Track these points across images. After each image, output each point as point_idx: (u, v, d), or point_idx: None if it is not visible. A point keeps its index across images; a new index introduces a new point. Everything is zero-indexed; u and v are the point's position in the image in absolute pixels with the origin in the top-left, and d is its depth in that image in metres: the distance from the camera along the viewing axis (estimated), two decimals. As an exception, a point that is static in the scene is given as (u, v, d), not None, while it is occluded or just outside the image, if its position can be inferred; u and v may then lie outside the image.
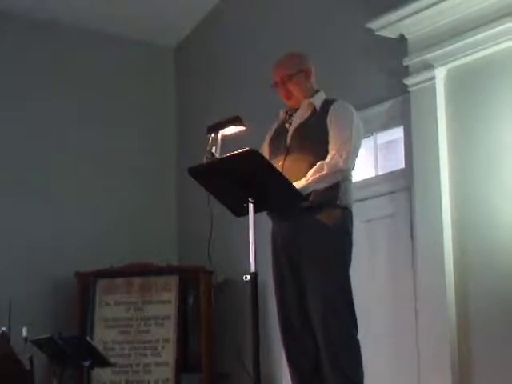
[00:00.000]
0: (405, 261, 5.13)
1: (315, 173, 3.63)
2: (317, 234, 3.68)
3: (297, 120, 3.88)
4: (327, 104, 3.84)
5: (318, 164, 3.66)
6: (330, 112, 3.78)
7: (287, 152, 3.81)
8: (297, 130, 3.85)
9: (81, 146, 6.84)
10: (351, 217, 3.79)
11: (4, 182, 6.45)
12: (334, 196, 3.70)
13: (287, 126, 3.91)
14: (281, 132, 3.93)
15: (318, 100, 3.88)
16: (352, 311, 3.73)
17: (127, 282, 6.32)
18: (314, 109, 3.86)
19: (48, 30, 6.80)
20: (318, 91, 3.94)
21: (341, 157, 3.67)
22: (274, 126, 4.02)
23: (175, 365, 6.04)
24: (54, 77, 6.82)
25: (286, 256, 3.78)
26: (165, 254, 6.82)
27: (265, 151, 3.94)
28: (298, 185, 3.54)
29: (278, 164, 3.74)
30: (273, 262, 3.86)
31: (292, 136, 3.85)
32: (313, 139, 3.76)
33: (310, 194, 3.60)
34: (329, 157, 3.68)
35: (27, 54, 6.72)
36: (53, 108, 6.76)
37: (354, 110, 3.84)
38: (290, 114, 3.93)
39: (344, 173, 3.72)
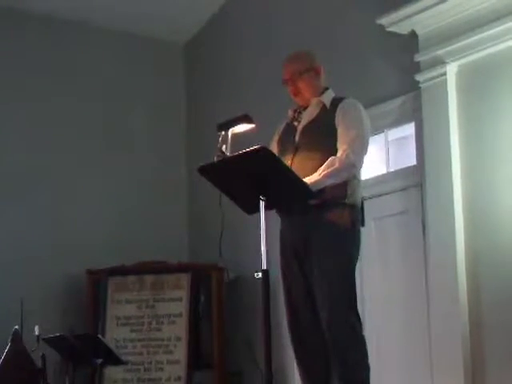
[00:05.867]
0: (417, 258, 5.11)
1: (327, 167, 3.62)
2: (326, 233, 3.68)
3: (306, 118, 3.87)
4: (336, 102, 3.83)
5: (329, 159, 3.64)
6: (339, 110, 3.78)
7: (296, 150, 3.80)
8: (305, 127, 3.84)
9: (91, 145, 6.84)
10: (359, 215, 3.78)
11: (16, 180, 6.46)
12: (342, 194, 3.70)
13: (296, 124, 3.90)
14: (289, 130, 3.92)
15: (328, 98, 3.88)
16: (355, 307, 3.73)
17: (139, 279, 6.32)
18: (324, 107, 3.85)
19: (56, 27, 6.78)
20: (326, 89, 3.93)
21: (352, 152, 3.66)
22: (283, 125, 4.02)
23: (187, 362, 6.04)
24: (63, 74, 6.81)
25: (294, 253, 3.78)
26: (176, 251, 6.82)
27: (273, 150, 3.93)
28: (310, 180, 3.54)
29: (287, 162, 3.73)
30: (281, 258, 3.87)
31: (301, 134, 3.84)
32: (321, 137, 3.75)
33: (321, 191, 3.59)
34: (339, 152, 3.67)
35: (35, 52, 6.70)
36: (63, 106, 6.76)
37: (362, 108, 3.83)
38: (299, 112, 3.93)
39: (355, 168, 3.71)
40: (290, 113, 3.98)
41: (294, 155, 3.79)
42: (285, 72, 3.92)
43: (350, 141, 3.68)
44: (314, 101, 3.87)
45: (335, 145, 3.71)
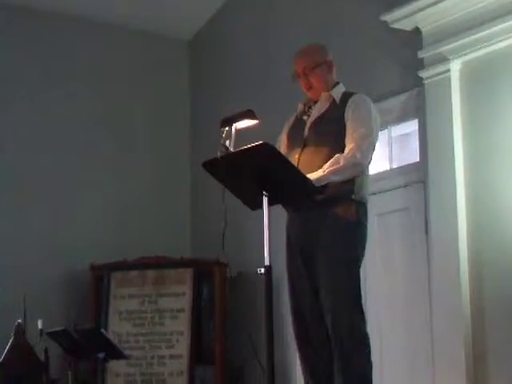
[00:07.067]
0: (419, 254, 5.12)
1: (332, 165, 3.60)
2: (332, 228, 3.66)
3: (315, 112, 3.84)
4: (346, 97, 3.80)
5: (334, 156, 3.62)
6: (349, 105, 3.74)
7: (304, 144, 3.78)
8: (315, 122, 3.82)
9: (94, 142, 6.85)
10: (366, 211, 3.77)
11: (19, 177, 6.48)
12: (349, 190, 3.69)
13: (305, 118, 3.88)
14: (298, 124, 3.89)
15: (338, 92, 3.84)
16: (360, 305, 3.71)
17: (141, 274, 6.33)
18: (333, 101, 3.83)
19: (57, 24, 6.78)
20: (337, 83, 3.90)
21: (359, 150, 3.63)
22: (292, 118, 3.98)
23: (189, 357, 6.05)
24: (68, 71, 6.82)
25: (300, 248, 3.78)
26: (179, 246, 6.83)
27: (282, 143, 3.92)
28: (313, 176, 3.52)
29: (295, 156, 3.73)
30: (287, 254, 3.86)
31: (309, 128, 3.82)
32: (330, 132, 3.73)
33: (324, 187, 3.58)
34: (346, 150, 3.65)
35: (35, 50, 6.71)
36: (67, 104, 6.76)
37: (372, 104, 3.81)
38: (309, 106, 3.90)
39: (361, 167, 3.68)
40: (300, 106, 3.95)
41: (302, 149, 3.76)
42: (297, 66, 3.88)
43: (358, 138, 3.65)
44: (324, 95, 3.84)
45: (344, 140, 3.68)
